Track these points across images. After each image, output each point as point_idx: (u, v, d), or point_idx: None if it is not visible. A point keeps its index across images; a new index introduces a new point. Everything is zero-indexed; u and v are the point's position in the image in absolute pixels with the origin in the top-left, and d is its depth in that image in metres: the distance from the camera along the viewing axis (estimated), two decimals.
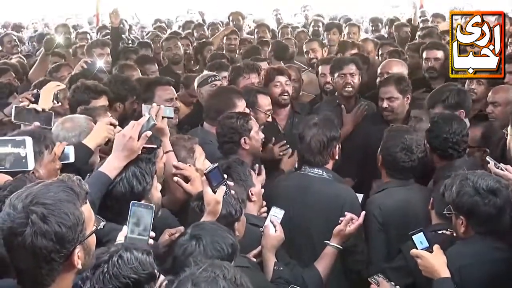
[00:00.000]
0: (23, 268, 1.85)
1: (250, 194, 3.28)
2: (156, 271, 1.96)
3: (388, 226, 3.48)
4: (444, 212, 2.99)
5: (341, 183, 3.70)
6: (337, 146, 3.65)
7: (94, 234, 1.93)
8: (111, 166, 2.64)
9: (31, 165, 2.60)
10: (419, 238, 2.91)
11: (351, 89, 4.99)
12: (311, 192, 3.54)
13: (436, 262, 2.85)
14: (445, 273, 2.82)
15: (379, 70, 5.30)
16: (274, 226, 3.13)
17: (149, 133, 2.71)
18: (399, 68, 5.24)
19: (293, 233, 3.41)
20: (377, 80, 5.28)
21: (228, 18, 9.43)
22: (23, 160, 2.59)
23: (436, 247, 2.88)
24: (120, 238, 2.23)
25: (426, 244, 2.89)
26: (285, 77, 4.94)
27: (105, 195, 2.59)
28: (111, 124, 3.32)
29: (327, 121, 3.69)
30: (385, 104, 4.60)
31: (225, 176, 2.78)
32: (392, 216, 3.49)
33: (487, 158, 3.29)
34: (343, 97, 5.04)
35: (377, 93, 5.17)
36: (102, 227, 2.00)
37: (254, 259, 3.06)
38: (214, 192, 2.72)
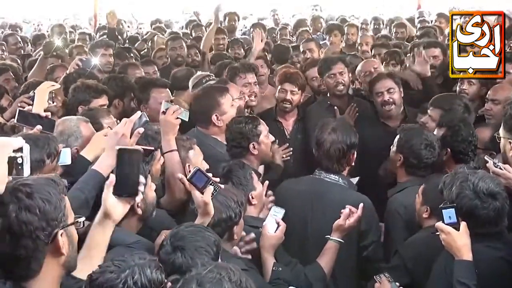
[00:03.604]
0: (8, 254, 1.81)
1: (250, 197, 3.25)
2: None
3: (412, 224, 3.41)
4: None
5: (354, 189, 3.62)
6: (355, 152, 3.56)
7: (76, 230, 1.94)
8: (104, 164, 2.62)
9: (26, 172, 2.57)
10: (449, 213, 2.79)
11: (342, 87, 4.95)
12: (329, 199, 3.44)
13: (460, 241, 2.74)
14: (467, 255, 2.73)
15: (362, 72, 5.31)
16: (278, 225, 3.10)
17: (141, 130, 2.68)
18: (381, 66, 5.34)
19: (309, 240, 3.38)
20: (359, 81, 5.35)
21: (224, 19, 9.36)
22: (19, 167, 2.56)
23: (463, 225, 2.77)
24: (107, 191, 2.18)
25: (454, 220, 2.77)
26: (293, 86, 4.86)
27: (99, 194, 2.51)
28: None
29: (345, 126, 3.61)
30: (386, 97, 4.58)
31: (210, 175, 2.74)
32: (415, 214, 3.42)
33: (486, 157, 3.25)
34: (336, 96, 5.00)
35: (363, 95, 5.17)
36: (81, 222, 1.97)
37: (249, 256, 3.01)
38: (202, 194, 2.69)
